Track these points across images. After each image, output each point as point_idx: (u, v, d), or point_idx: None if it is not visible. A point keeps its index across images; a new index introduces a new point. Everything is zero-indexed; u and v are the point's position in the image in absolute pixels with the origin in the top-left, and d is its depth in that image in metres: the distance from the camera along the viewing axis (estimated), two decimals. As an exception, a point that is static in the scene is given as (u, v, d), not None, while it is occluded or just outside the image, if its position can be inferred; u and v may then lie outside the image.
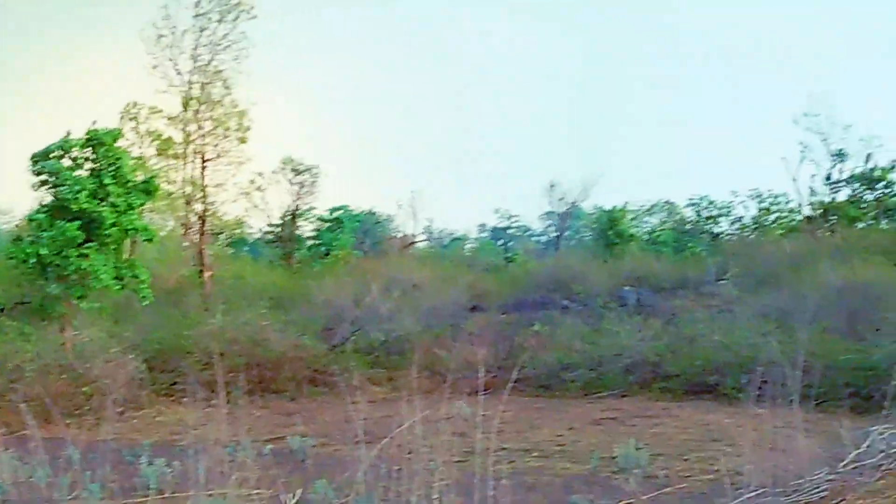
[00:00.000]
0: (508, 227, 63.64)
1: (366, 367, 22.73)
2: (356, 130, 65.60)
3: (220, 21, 32.09)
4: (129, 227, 20.82)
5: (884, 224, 42.63)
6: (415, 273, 31.38)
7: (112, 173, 20.64)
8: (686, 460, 12.58)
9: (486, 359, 17.42)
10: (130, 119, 34.16)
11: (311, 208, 43.48)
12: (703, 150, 70.68)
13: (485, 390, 8.38)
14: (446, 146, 77.93)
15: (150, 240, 22.36)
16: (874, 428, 11.95)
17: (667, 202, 51.80)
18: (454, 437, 8.98)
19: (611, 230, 43.58)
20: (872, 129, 50.57)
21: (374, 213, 51.41)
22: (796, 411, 9.93)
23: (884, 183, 45.04)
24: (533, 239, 62.91)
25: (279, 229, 42.30)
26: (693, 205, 49.24)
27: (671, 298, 28.81)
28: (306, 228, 44.94)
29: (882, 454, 11.27)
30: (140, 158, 32.15)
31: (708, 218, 48.71)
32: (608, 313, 25.05)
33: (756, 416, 10.20)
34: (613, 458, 12.08)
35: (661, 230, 50.35)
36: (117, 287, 20.84)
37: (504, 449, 11.18)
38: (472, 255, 53.54)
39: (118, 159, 20.93)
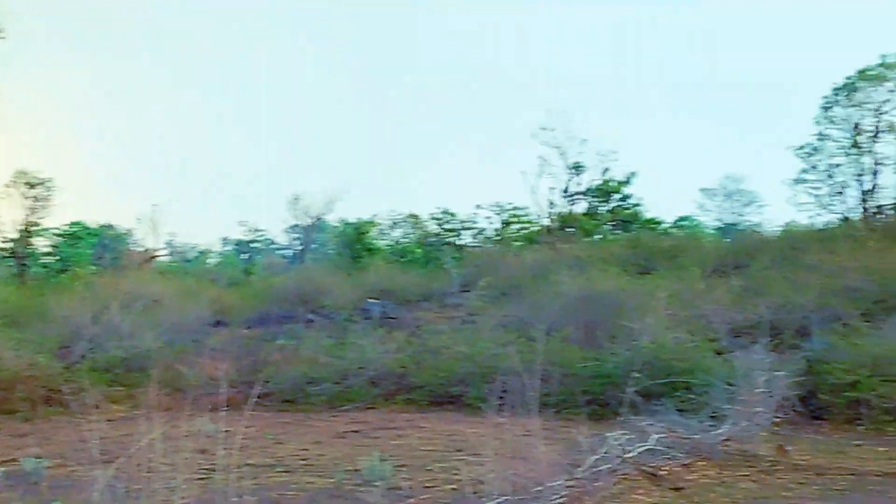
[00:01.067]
0: (253, 241, 63.08)
1: (105, 384, 21.86)
2: (95, 143, 63.74)
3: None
4: None
5: (619, 235, 44.51)
6: (156, 288, 30.64)
7: None
8: (430, 471, 12.64)
9: (228, 374, 17.18)
10: None
11: (45, 224, 41.95)
12: (447, 163, 72.13)
13: (228, 406, 8.17)
14: (189, 159, 76.65)
15: None
16: (611, 434, 12.33)
17: (412, 215, 52.42)
18: (196, 454, 8.73)
19: (356, 243, 43.77)
20: (608, 143, 52.77)
21: (113, 228, 49.96)
22: (536, 419, 10.12)
23: (619, 195, 47.10)
24: (278, 252, 62.58)
25: (13, 244, 40.53)
26: (437, 218, 50.03)
27: (416, 310, 29.16)
28: (42, 243, 43.35)
29: (618, 459, 11.65)
30: None
31: (451, 230, 49.58)
32: (353, 326, 25.10)
33: (498, 425, 10.34)
34: (358, 470, 12.03)
35: (406, 243, 50.91)
36: None
37: (248, 465, 10.91)
38: (216, 269, 52.71)
39: None
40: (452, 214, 49.76)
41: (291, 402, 21.15)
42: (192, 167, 77.64)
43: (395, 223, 52.58)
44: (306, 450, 15.11)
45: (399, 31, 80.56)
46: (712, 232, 54.82)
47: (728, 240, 45.42)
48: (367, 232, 44.91)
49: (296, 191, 52.47)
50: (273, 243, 64.35)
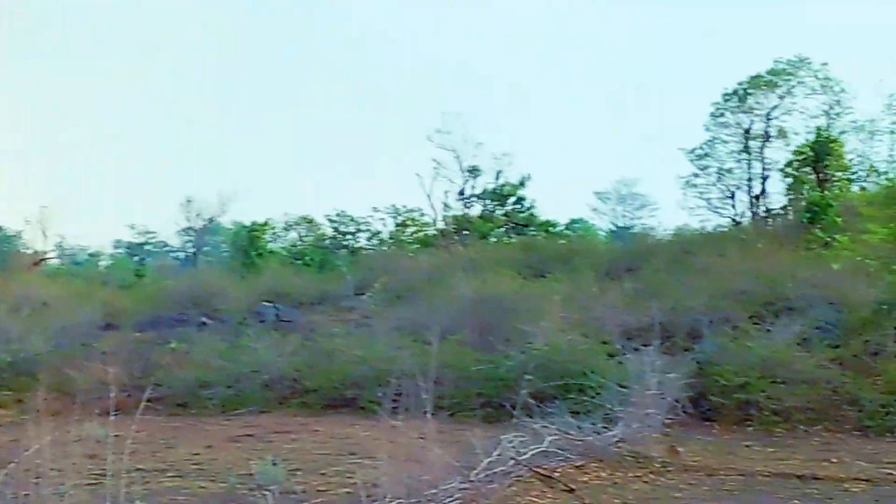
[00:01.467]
0: (145, 244, 62.19)
1: (-8, 389, 21.48)
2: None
3: None
4: None
5: (514, 238, 44.83)
6: (45, 291, 30.06)
7: None
8: (324, 475, 12.61)
9: (119, 378, 16.87)
10: None
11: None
12: (343, 165, 71.97)
13: (118, 410, 8.05)
14: (80, 160, 75.22)
15: None
16: (504, 436, 12.39)
17: (306, 218, 52.14)
18: (86, 459, 8.60)
19: (250, 246, 43.34)
20: (503, 146, 53.18)
21: (1, 230, 48.87)
22: (430, 422, 10.15)
23: (513, 199, 47.42)
24: (170, 255, 61.77)
25: None
26: (332, 221, 49.86)
27: (311, 314, 28.99)
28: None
29: (512, 462, 11.73)
30: None
31: (347, 233, 49.47)
32: (247, 330, 24.88)
33: (392, 429, 10.35)
34: (251, 475, 11.95)
35: (301, 246, 50.61)
36: None
37: (138, 470, 10.79)
38: (107, 272, 51.82)
39: None
40: (348, 217, 49.66)
41: (183, 407, 20.91)
42: (82, 168, 76.11)
43: (289, 226, 52.23)
44: (198, 454, 14.96)
45: (295, 30, 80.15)
46: (605, 235, 55.55)
47: (621, 243, 46.06)
48: (261, 234, 44.49)
49: (188, 193, 51.77)
50: (165, 246, 63.55)
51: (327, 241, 49.60)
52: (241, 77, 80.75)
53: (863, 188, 39.94)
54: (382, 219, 49.26)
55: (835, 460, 13.96)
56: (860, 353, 18.90)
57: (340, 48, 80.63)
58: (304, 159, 77.50)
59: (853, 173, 40.98)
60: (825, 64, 41.97)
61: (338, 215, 49.58)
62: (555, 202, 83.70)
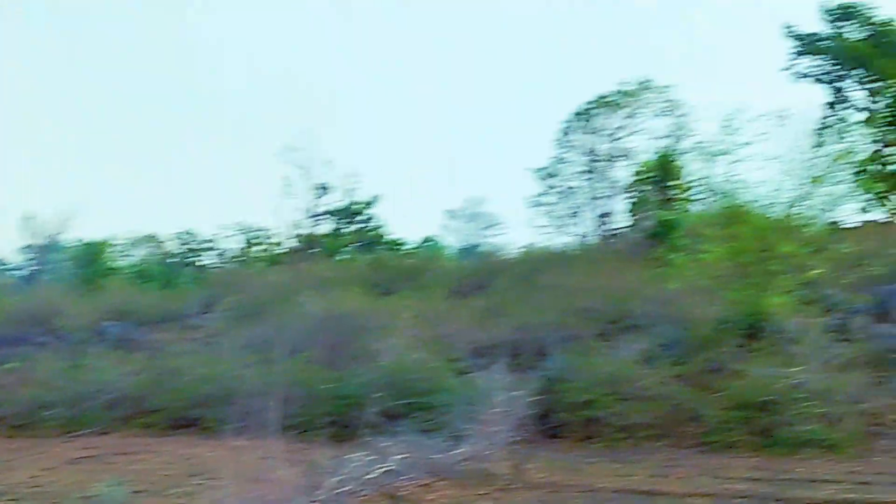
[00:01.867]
0: (-18, 261, 60.33)
1: None
2: None
3: None
4: None
5: (363, 256, 44.84)
6: None
7: None
8: (167, 496, 12.41)
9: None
10: None
11: None
12: (191, 182, 70.99)
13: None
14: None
15: None
16: (351, 455, 12.38)
17: (151, 235, 51.27)
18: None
19: (93, 263, 42.43)
20: (352, 165, 53.19)
21: None
22: (277, 441, 10.09)
23: (363, 216, 47.54)
24: (10, 273, 59.98)
25: None
26: (179, 238, 49.19)
27: (157, 332, 28.53)
28: None
29: (359, 481, 11.72)
30: None
31: (194, 251, 48.85)
32: (90, 348, 24.32)
33: (238, 448, 10.25)
34: (92, 497, 11.69)
35: (147, 263, 49.75)
36: None
37: (-28, 494, 10.48)
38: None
39: None
40: (194, 235, 49.02)
41: (22, 428, 20.33)
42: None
43: (134, 243, 51.27)
44: (37, 477, 14.59)
45: (141, 46, 78.89)
46: (455, 253, 55.93)
47: (471, 261, 46.39)
48: (105, 252, 43.57)
49: (29, 209, 50.28)
50: (4, 263, 61.73)
51: (173, 259, 48.83)
52: (83, 92, 78.98)
53: (703, 208, 41.05)
54: (230, 236, 48.77)
55: (678, 475, 14.26)
56: (702, 369, 19.34)
57: (188, 64, 79.60)
58: (151, 176, 76.13)
59: (695, 193, 42.11)
60: (669, 86, 43.26)
61: (185, 233, 48.91)
62: (410, 221, 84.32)
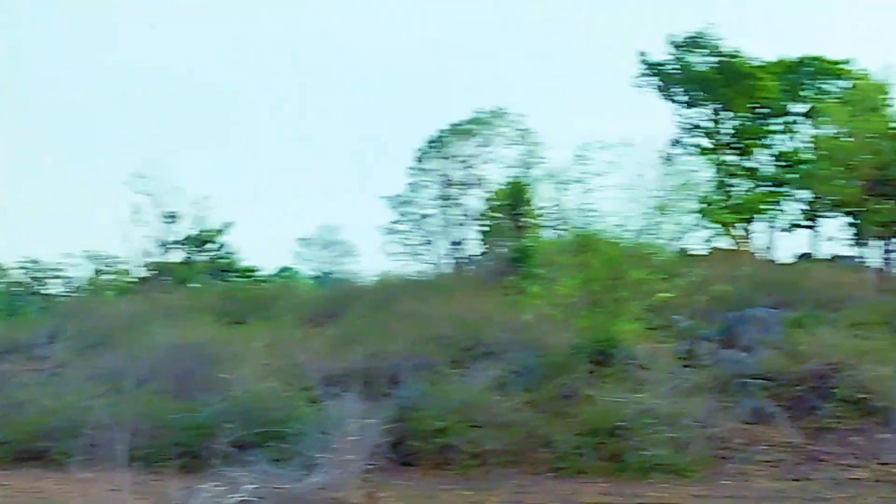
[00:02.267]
0: None
1: None
2: None
3: None
4: None
5: (214, 284, 44.29)
6: None
7: None
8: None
9: None
10: None
11: None
12: (35, 208, 69.15)
13: None
14: None
15: None
16: (202, 486, 12.29)
17: (-7, 263, 49.73)
18: None
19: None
20: (203, 191, 52.67)
21: None
22: (125, 473, 10.01)
23: (215, 244, 47.01)
24: None
25: None
26: (23, 266, 47.92)
27: (0, 363, 27.78)
28: None
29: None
30: None
31: (39, 279, 47.63)
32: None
33: (85, 481, 10.15)
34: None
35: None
36: None
37: None
38: None
39: None
40: (39, 263, 47.78)
41: None
42: None
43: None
44: None
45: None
46: (309, 281, 55.64)
47: (325, 289, 46.19)
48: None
49: None
50: None
51: (17, 288, 47.49)
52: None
53: (555, 236, 41.77)
54: (78, 264, 47.67)
55: (530, 501, 14.49)
56: (554, 396, 19.62)
57: (25, 77, 77.71)
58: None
59: (547, 221, 42.84)
60: (522, 115, 44.05)
61: (29, 261, 47.63)
62: (264, 249, 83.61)
